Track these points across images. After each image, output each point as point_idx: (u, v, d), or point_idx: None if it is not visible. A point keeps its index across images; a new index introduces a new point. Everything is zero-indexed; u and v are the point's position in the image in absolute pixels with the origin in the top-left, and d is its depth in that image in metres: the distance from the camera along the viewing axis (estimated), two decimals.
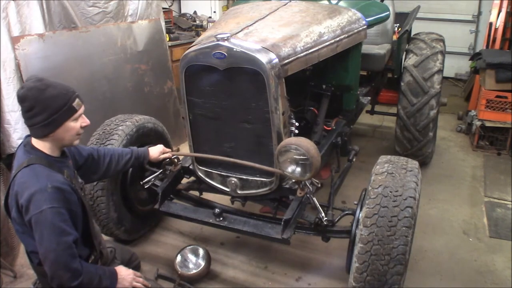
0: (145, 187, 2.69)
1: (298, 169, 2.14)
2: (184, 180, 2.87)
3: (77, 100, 1.83)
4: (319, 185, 2.35)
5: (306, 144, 2.07)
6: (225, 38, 2.16)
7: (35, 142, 1.83)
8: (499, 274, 2.89)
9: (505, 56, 4.58)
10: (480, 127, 4.70)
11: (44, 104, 1.74)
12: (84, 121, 1.89)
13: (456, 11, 6.97)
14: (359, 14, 3.06)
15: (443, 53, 3.99)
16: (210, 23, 6.13)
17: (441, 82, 3.86)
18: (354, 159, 3.00)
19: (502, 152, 4.69)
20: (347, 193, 3.67)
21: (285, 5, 2.81)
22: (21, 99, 1.76)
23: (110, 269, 1.97)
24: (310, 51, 2.46)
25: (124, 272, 1.99)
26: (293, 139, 2.13)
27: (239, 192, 2.51)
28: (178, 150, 4.41)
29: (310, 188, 2.29)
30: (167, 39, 5.07)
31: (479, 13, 6.91)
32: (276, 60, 2.18)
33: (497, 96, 4.55)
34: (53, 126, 1.78)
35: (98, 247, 2.01)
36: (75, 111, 1.82)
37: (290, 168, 2.15)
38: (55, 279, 1.73)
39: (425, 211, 3.54)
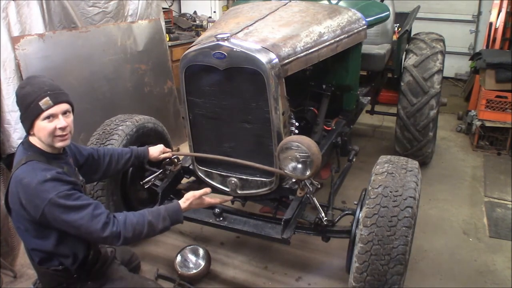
0: (145, 187, 2.69)
1: (299, 166, 2.14)
2: (184, 180, 2.87)
3: (45, 99, 1.74)
4: (319, 186, 2.36)
5: (307, 141, 2.08)
6: (225, 38, 2.16)
7: (31, 139, 1.84)
8: (499, 274, 2.89)
9: (505, 56, 4.58)
10: (480, 127, 4.70)
11: (20, 102, 1.79)
12: (59, 122, 1.78)
13: (456, 11, 6.97)
14: (359, 14, 3.06)
15: (443, 53, 3.99)
16: (210, 23, 6.13)
17: (441, 82, 3.86)
18: (354, 159, 3.00)
19: (502, 152, 4.69)
20: (347, 193, 3.67)
21: (285, 5, 2.81)
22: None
23: (169, 207, 2.00)
24: (310, 51, 2.46)
25: (188, 202, 2.05)
26: (294, 137, 2.13)
27: (239, 192, 2.51)
28: (178, 150, 4.41)
29: (310, 188, 2.29)
30: (167, 39, 5.07)
31: (479, 13, 6.91)
32: (276, 60, 2.18)
33: (497, 96, 4.55)
34: (26, 124, 1.80)
35: (96, 245, 2.01)
36: (41, 110, 1.75)
37: (291, 166, 2.16)
38: (105, 244, 1.84)
39: (425, 211, 3.54)
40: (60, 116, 1.79)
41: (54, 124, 1.77)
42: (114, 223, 1.78)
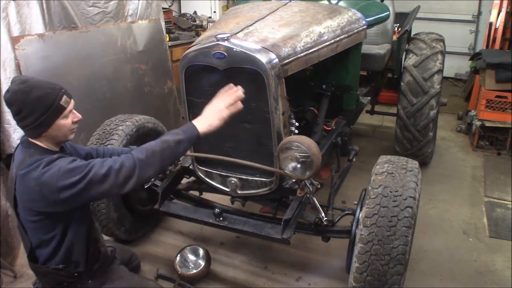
0: (145, 187, 2.69)
1: (299, 166, 2.14)
2: (184, 180, 2.87)
3: (64, 97, 1.79)
4: (319, 186, 2.36)
5: (307, 141, 2.08)
6: (225, 38, 2.16)
7: (32, 139, 1.83)
8: (499, 274, 2.89)
9: (505, 56, 4.58)
10: (480, 127, 4.70)
11: (31, 106, 1.72)
12: (75, 116, 1.87)
13: (456, 11, 6.97)
14: (359, 14, 3.06)
15: (443, 53, 3.99)
16: (210, 23, 6.13)
17: (441, 82, 3.86)
18: (354, 159, 3.00)
19: (502, 152, 4.69)
20: (347, 193, 3.67)
21: (285, 5, 2.81)
22: (8, 103, 1.75)
23: (184, 129, 1.93)
24: (310, 51, 2.46)
25: (210, 113, 1.95)
26: (294, 137, 2.13)
27: (239, 192, 2.51)
28: None
29: (310, 188, 2.29)
30: (167, 39, 5.07)
31: (479, 13, 6.91)
32: (276, 60, 2.17)
33: (497, 96, 4.55)
34: (44, 127, 1.77)
35: (97, 244, 2.01)
36: (64, 108, 1.79)
37: (291, 166, 2.15)
38: (125, 177, 1.75)
39: (425, 211, 3.54)
40: (74, 110, 1.86)
41: (71, 119, 1.84)
42: (122, 155, 1.81)
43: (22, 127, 1.79)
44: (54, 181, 1.66)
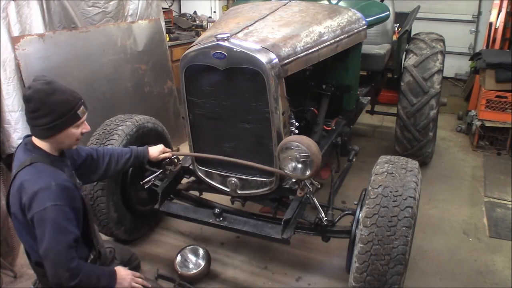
0: (145, 187, 2.69)
1: (299, 166, 2.14)
2: (184, 180, 2.87)
3: (82, 107, 1.84)
4: (319, 186, 2.36)
5: (307, 141, 2.08)
6: (225, 38, 2.16)
7: (36, 141, 1.83)
8: (499, 274, 2.89)
9: (505, 56, 4.58)
10: (480, 127, 4.70)
11: (49, 108, 1.75)
12: (85, 127, 1.90)
13: (456, 11, 6.97)
14: (359, 14, 3.06)
15: (443, 53, 3.99)
16: (210, 23, 6.13)
17: (441, 82, 3.86)
18: (354, 159, 3.00)
19: (502, 152, 4.69)
20: (347, 193, 3.67)
21: (285, 5, 2.81)
22: (27, 99, 1.76)
23: (109, 269, 1.97)
24: (310, 51, 2.46)
25: (123, 273, 1.98)
26: (294, 137, 2.13)
27: (239, 192, 2.51)
28: (178, 150, 4.41)
29: (310, 188, 2.29)
30: (167, 39, 5.07)
31: (479, 13, 6.91)
32: (276, 60, 2.18)
33: (497, 96, 4.55)
34: (56, 130, 1.79)
35: (96, 246, 2.01)
36: (79, 118, 1.84)
37: (291, 166, 2.16)
38: (54, 278, 1.73)
39: (425, 211, 3.54)
40: (85, 122, 1.90)
41: (80, 129, 1.87)
42: (79, 261, 1.77)
43: (33, 126, 1.80)
44: (44, 223, 1.68)
